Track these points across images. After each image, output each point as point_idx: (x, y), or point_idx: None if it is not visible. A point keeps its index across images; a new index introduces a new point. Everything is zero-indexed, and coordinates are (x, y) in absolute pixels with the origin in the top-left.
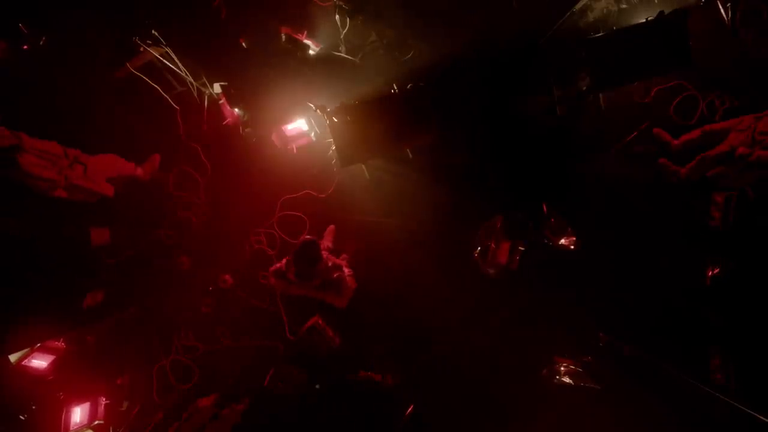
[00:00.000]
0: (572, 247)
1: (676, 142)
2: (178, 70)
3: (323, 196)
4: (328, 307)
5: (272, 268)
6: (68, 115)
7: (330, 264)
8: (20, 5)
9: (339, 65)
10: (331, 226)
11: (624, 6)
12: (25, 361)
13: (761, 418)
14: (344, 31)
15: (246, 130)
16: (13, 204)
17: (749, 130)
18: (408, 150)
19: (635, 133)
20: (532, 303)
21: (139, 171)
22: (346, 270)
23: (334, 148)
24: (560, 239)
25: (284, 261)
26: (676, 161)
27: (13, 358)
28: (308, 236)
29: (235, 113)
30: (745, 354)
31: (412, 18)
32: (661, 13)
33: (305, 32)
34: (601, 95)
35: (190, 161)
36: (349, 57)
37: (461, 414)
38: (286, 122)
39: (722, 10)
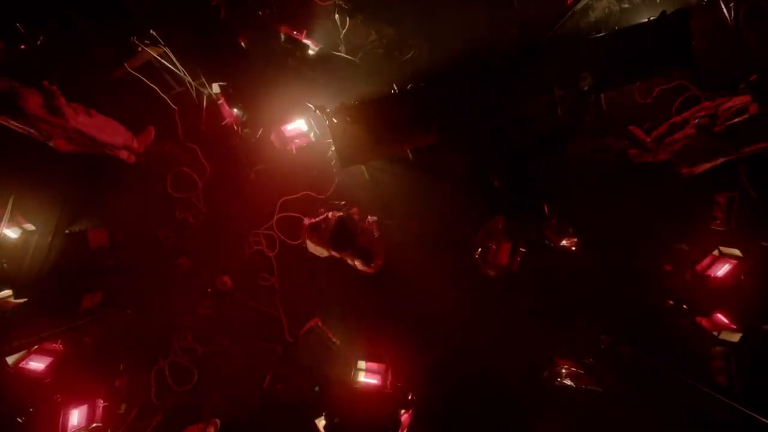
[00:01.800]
0: (573, 248)
1: (649, 138)
2: (176, 70)
3: (323, 197)
4: (328, 310)
5: (309, 222)
6: None
7: (361, 230)
8: (18, 5)
9: (339, 65)
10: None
11: (626, 6)
12: (23, 363)
13: (763, 419)
14: (344, 31)
15: (245, 130)
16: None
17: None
18: (408, 151)
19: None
20: (533, 304)
21: (135, 143)
22: (375, 233)
23: (333, 148)
24: (561, 240)
25: (322, 217)
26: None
27: (10, 360)
28: (344, 211)
29: (234, 113)
30: (748, 355)
31: (412, 17)
32: (663, 13)
33: (305, 32)
34: (602, 95)
35: (189, 162)
36: (349, 57)
37: (462, 415)
38: (286, 123)
39: (725, 10)
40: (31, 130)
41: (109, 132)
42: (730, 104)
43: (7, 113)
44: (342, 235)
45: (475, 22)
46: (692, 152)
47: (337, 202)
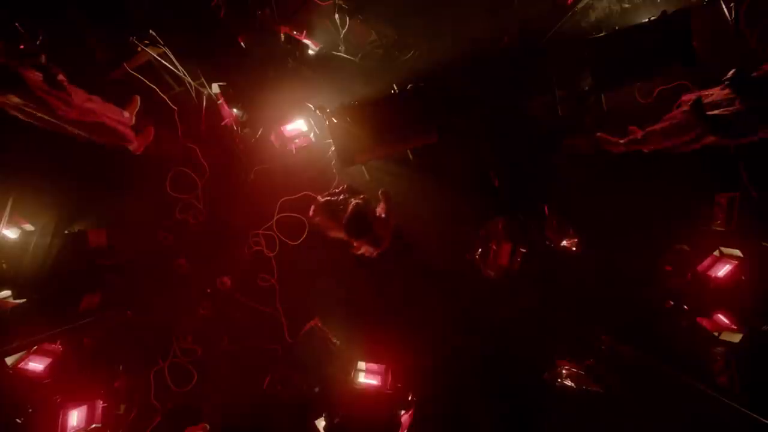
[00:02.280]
0: (574, 248)
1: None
2: (176, 71)
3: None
4: (328, 310)
5: (325, 200)
6: None
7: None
8: (17, 4)
9: (339, 65)
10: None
11: (627, 5)
12: (22, 363)
13: (764, 420)
14: (344, 31)
15: (244, 130)
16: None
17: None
18: (408, 151)
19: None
20: (533, 305)
21: (134, 144)
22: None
23: (333, 148)
24: (562, 241)
25: (340, 198)
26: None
27: (9, 360)
28: (360, 199)
29: (234, 113)
30: (749, 356)
31: (412, 17)
32: (664, 12)
33: (305, 32)
34: (603, 96)
35: (188, 162)
36: (349, 57)
37: (462, 418)
38: (285, 123)
39: (725, 10)
40: (37, 111)
41: (112, 113)
42: (710, 99)
43: (9, 86)
44: (358, 225)
45: (475, 22)
46: (674, 132)
47: (354, 186)
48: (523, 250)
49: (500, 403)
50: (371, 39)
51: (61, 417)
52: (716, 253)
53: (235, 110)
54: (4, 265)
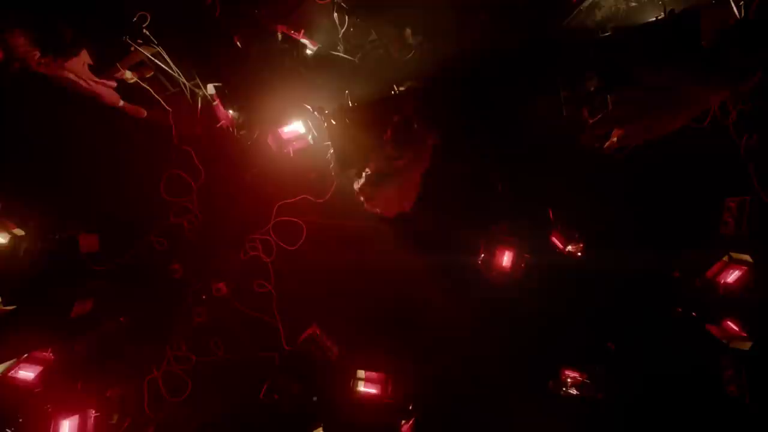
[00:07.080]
0: (579, 254)
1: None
2: (170, 71)
3: (321, 201)
4: (326, 317)
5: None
6: None
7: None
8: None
9: (337, 65)
10: None
11: (633, 4)
12: (12, 372)
13: None
14: (343, 30)
15: (241, 132)
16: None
17: None
18: None
19: None
20: (538, 312)
21: (121, 104)
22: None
23: (332, 151)
24: (567, 246)
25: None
26: None
27: None
28: None
29: (230, 115)
30: (760, 364)
31: (412, 17)
32: (672, 12)
33: (302, 31)
34: (608, 96)
35: (183, 165)
36: (348, 57)
37: (464, 426)
38: (283, 124)
39: (735, 9)
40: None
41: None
42: None
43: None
44: (405, 130)
45: (478, 22)
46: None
47: None
48: (527, 256)
49: (503, 411)
50: (371, 39)
51: (52, 427)
52: (726, 258)
53: (231, 112)
54: None
